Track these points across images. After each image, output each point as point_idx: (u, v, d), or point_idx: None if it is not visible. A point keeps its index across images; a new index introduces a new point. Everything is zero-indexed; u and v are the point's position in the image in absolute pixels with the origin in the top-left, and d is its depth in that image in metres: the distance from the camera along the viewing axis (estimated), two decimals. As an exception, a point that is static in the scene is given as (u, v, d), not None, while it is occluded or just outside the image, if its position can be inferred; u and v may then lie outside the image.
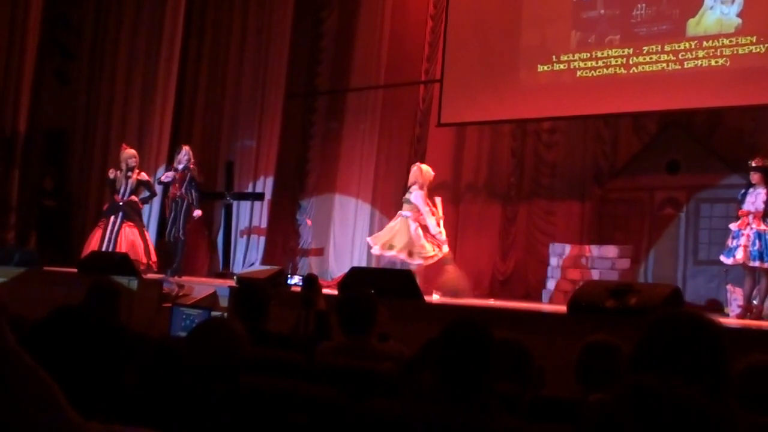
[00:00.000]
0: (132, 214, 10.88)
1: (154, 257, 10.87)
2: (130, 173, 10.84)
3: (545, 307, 9.05)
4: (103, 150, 12.98)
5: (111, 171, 10.97)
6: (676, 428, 1.31)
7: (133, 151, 11.04)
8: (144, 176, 11.05)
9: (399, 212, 9.56)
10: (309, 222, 12.65)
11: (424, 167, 9.59)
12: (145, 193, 11.13)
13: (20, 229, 12.46)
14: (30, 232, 12.59)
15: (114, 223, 10.78)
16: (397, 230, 9.39)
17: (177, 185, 10.71)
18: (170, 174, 10.92)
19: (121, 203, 10.82)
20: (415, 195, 9.37)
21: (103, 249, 10.55)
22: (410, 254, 9.22)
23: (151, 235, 11.51)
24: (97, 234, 10.86)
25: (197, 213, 10.86)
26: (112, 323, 2.13)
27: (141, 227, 10.99)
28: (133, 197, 10.87)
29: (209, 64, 13.13)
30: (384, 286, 6.50)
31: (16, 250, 10.49)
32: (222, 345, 2.57)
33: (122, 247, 10.53)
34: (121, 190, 10.84)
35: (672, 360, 2.01)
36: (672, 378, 1.47)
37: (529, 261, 10.86)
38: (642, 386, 1.38)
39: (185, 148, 10.99)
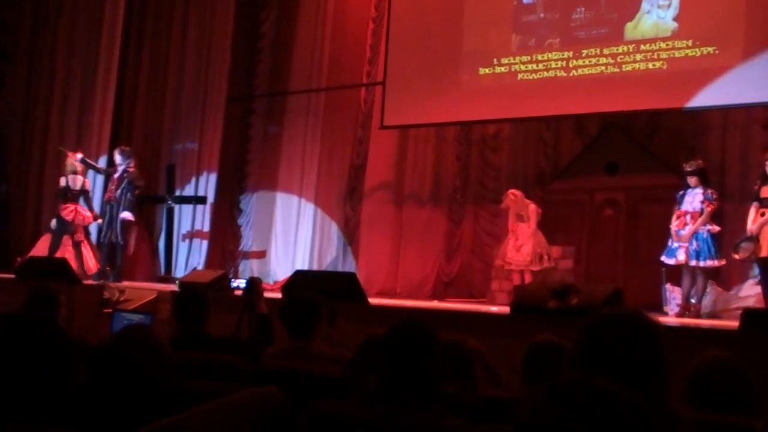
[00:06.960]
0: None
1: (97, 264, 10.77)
2: None
3: (489, 308, 9.09)
4: (41, 154, 12.74)
5: (62, 179, 10.76)
6: (602, 425, 1.31)
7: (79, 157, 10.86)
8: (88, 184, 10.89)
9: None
10: None
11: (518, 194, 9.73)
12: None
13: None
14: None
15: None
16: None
17: (113, 188, 10.49)
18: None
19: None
20: None
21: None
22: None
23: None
24: (44, 245, 10.72)
25: (124, 215, 10.32)
26: (53, 329, 2.09)
27: (86, 236, 10.90)
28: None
29: (150, 65, 12.96)
30: (328, 289, 6.47)
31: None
32: (144, 349, 2.53)
33: (73, 258, 10.43)
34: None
35: (611, 358, 2.03)
36: (609, 376, 1.47)
37: (475, 263, 10.91)
38: (565, 383, 1.38)
39: (120, 150, 10.83)
